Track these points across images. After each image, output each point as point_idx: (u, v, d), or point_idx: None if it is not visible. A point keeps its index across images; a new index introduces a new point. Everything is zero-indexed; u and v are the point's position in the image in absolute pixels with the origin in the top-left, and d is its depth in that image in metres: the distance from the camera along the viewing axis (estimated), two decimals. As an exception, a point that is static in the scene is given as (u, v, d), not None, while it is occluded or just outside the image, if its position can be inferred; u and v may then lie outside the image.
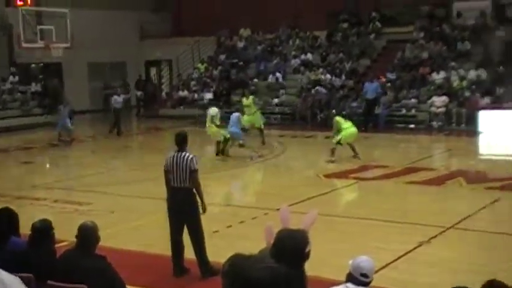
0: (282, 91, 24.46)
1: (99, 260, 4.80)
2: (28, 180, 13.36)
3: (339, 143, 14.62)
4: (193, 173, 6.97)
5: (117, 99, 21.53)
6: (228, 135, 15.31)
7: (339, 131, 14.77)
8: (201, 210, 7.18)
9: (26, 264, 4.74)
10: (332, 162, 14.53)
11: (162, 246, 8.19)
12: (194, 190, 7.07)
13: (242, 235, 8.67)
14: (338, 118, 15.23)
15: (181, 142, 7.16)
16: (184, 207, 7.05)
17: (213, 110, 15.68)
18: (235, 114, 15.88)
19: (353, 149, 14.86)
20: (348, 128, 14.79)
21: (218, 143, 15.50)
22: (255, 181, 13.82)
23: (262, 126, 17.70)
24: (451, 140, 18.93)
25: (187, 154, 7.05)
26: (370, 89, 21.21)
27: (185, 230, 7.25)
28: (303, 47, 26.54)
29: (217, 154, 15.48)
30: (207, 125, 15.52)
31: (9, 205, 6.12)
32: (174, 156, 7.08)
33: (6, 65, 25.62)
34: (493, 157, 16.52)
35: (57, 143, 19.08)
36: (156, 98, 29.84)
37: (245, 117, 16.86)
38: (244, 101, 17.88)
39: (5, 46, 25.70)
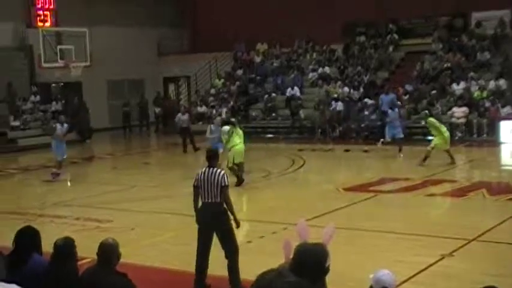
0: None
1: (120, 277, 4.81)
2: (49, 198, 13.48)
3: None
4: (225, 188, 6.99)
5: (182, 118, 20.70)
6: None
7: (436, 132, 15.39)
8: (234, 225, 7.17)
9: (48, 282, 4.76)
10: (423, 165, 15.25)
11: (183, 263, 8.20)
12: (224, 205, 7.08)
13: (262, 250, 8.63)
14: (432, 120, 15.60)
15: (212, 158, 7.20)
16: (216, 221, 7.06)
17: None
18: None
19: (450, 156, 15.46)
20: (444, 132, 15.38)
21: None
22: (274, 195, 13.78)
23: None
24: (472, 151, 18.76)
25: (219, 170, 7.07)
26: (386, 100, 21.13)
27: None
28: (320, 60, 26.58)
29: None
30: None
31: (31, 223, 6.18)
32: (204, 171, 7.08)
33: (27, 85, 25.98)
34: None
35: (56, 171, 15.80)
36: (175, 114, 29.99)
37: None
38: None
39: (26, 66, 26.09)
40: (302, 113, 23.77)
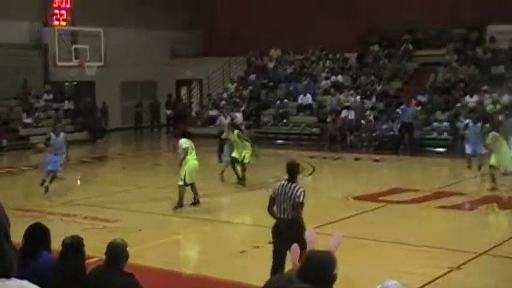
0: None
1: (128, 277, 4.82)
2: (59, 196, 13.51)
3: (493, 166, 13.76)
4: (299, 205, 6.77)
5: (224, 122, 18.19)
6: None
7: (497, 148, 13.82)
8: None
9: (56, 280, 4.77)
10: (494, 189, 13.62)
11: (190, 266, 8.21)
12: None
13: (269, 256, 8.58)
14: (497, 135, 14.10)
15: (292, 172, 6.98)
16: (287, 239, 6.53)
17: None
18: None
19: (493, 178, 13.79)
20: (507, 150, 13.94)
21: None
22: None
23: (246, 161, 14.61)
24: (483, 164, 18.61)
25: (298, 186, 6.87)
26: (407, 112, 20.98)
27: None
28: (333, 68, 26.56)
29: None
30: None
31: (40, 220, 6.20)
32: (282, 185, 6.91)
33: (41, 83, 26.15)
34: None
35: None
36: (186, 116, 30.09)
37: (234, 152, 14.81)
38: (231, 135, 15.32)
39: (40, 65, 26.27)
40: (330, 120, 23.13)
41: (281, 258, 6.86)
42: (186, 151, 11.98)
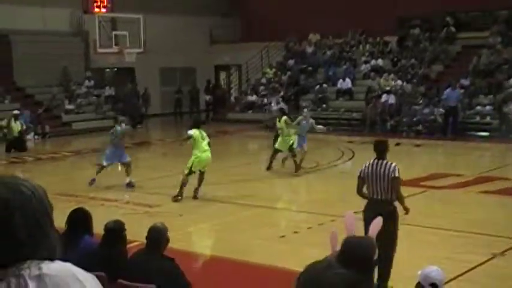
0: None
1: (168, 261, 4.89)
2: (100, 181, 13.74)
3: None
4: (395, 180, 6.43)
5: (273, 109, 17.88)
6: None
7: None
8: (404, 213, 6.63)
9: (98, 263, 4.87)
10: None
11: (229, 250, 8.26)
12: (395, 203, 6.51)
13: (308, 241, 8.61)
14: None
15: (380, 150, 6.70)
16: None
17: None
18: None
19: None
20: None
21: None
22: (322, 187, 13.73)
23: (294, 146, 14.34)
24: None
25: (390, 162, 6.56)
26: (453, 96, 20.58)
27: None
28: (373, 52, 26.22)
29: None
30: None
31: (82, 205, 6.33)
32: (372, 163, 6.61)
33: (82, 70, 26.57)
34: None
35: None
36: (225, 102, 30.19)
37: (279, 141, 14.52)
38: (278, 123, 14.81)
39: (81, 51, 26.68)
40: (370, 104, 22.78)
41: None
42: (189, 136, 11.73)
